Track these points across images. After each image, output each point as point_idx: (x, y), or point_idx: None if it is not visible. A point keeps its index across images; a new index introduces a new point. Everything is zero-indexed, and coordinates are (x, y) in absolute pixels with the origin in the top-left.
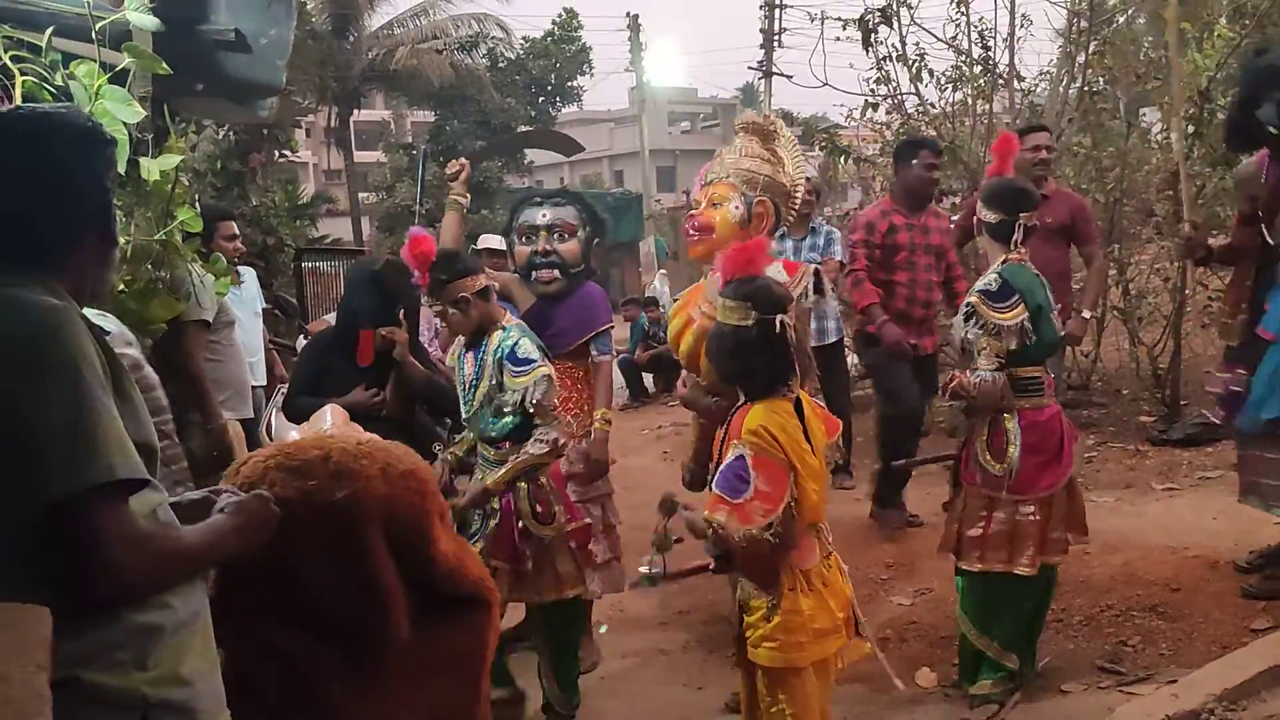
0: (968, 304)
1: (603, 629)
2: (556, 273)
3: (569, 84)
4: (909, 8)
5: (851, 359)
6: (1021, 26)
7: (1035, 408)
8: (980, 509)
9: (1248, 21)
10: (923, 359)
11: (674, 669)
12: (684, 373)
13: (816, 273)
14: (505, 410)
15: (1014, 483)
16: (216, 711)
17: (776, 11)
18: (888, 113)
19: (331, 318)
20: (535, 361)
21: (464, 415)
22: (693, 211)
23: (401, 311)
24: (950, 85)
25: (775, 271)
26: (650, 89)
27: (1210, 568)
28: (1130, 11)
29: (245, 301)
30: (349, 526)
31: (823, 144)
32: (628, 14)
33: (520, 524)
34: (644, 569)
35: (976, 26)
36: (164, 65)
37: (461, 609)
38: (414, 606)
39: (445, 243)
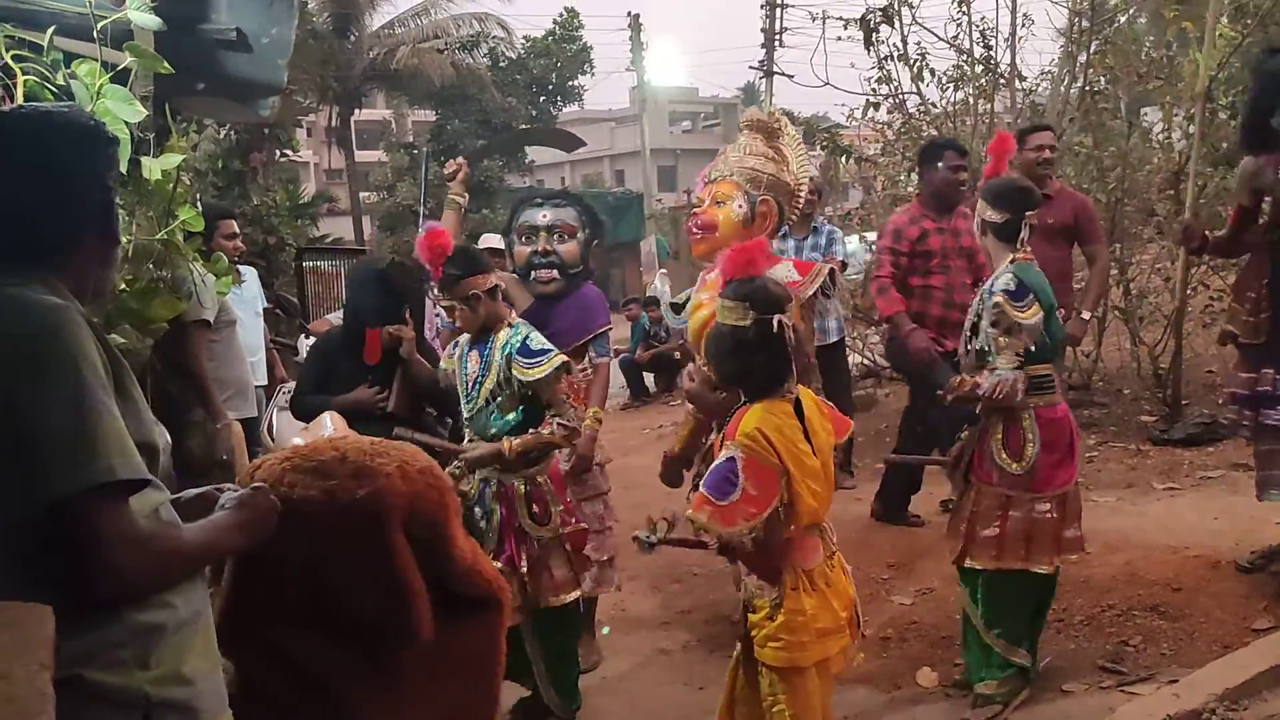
0: (994, 304)
1: (605, 630)
2: (556, 273)
3: (570, 83)
4: (910, 7)
5: (853, 359)
6: (1023, 26)
7: (1049, 405)
8: (995, 508)
9: (1249, 21)
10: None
11: (675, 669)
12: (689, 367)
13: (832, 271)
14: (509, 404)
15: (1032, 480)
16: (218, 710)
17: (777, 11)
18: (889, 112)
19: (334, 317)
20: (551, 351)
21: (465, 414)
22: (695, 209)
23: (407, 310)
24: (952, 85)
25: (785, 270)
26: (651, 88)
27: (1211, 567)
28: (1131, 11)
29: (246, 301)
30: (372, 524)
31: (824, 144)
32: (629, 13)
33: (516, 524)
34: (641, 534)
35: (978, 26)
36: (166, 64)
37: (475, 610)
38: (432, 607)
39: None
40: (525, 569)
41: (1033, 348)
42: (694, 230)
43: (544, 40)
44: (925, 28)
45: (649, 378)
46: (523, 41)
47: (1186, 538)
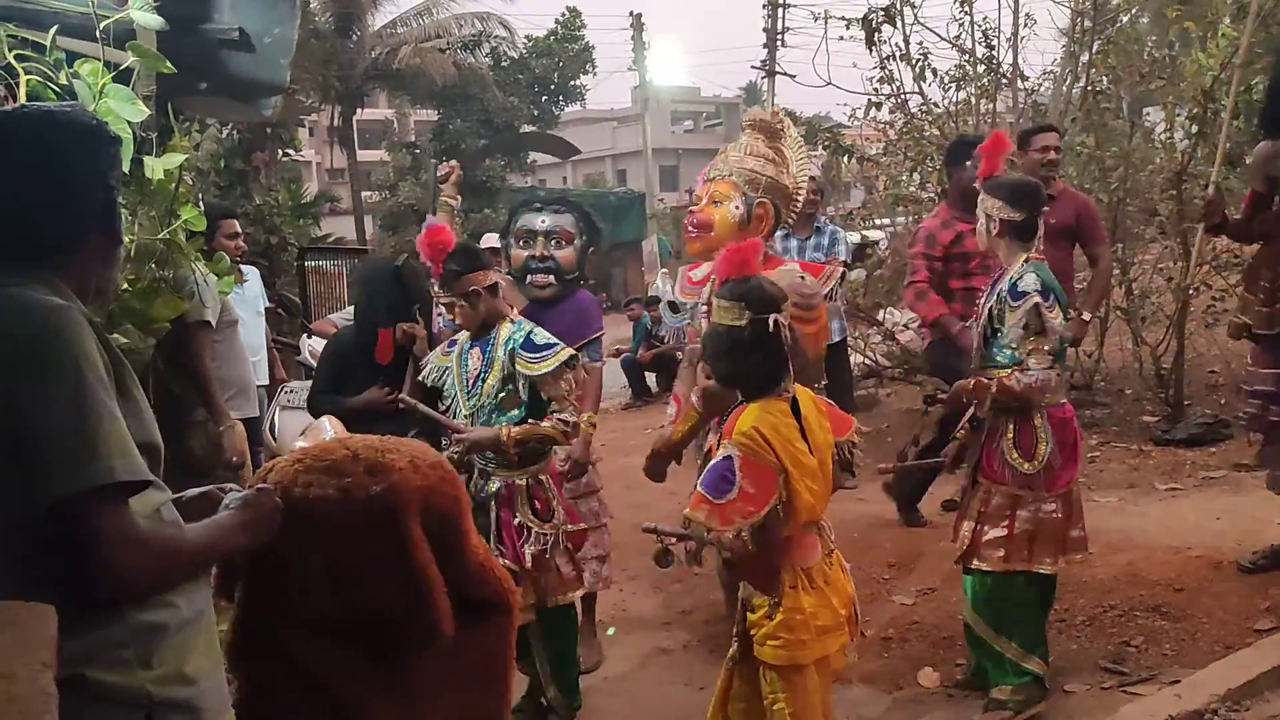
0: (1032, 306)
1: (611, 631)
2: (552, 278)
3: (572, 83)
4: (912, 7)
5: (855, 358)
6: (1025, 26)
7: (1057, 405)
8: (1004, 508)
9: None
10: None
11: (676, 669)
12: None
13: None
14: (511, 401)
15: (1044, 480)
16: (221, 710)
17: (779, 10)
18: (891, 112)
19: (336, 317)
20: (556, 346)
21: (465, 411)
22: (693, 208)
23: (418, 309)
24: (954, 84)
25: (791, 272)
26: (653, 88)
27: (1213, 568)
28: (1134, 11)
29: (248, 300)
30: (390, 519)
31: (826, 143)
32: (631, 13)
33: (518, 521)
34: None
35: (980, 25)
36: (168, 64)
37: (485, 613)
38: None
39: None
40: (531, 566)
41: (1066, 345)
42: (690, 229)
43: (546, 40)
44: (927, 27)
45: (651, 377)
46: (525, 41)
47: (1188, 538)
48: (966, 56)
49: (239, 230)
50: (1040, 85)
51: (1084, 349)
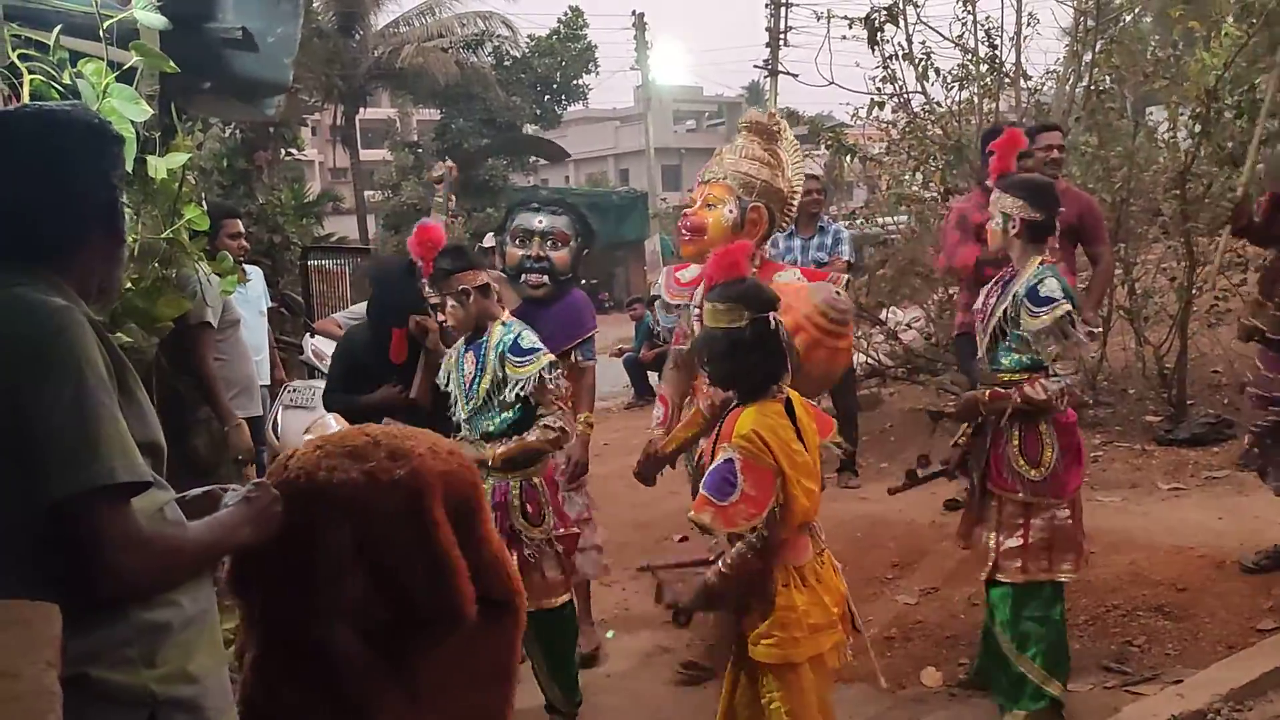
0: (1066, 313)
1: (610, 635)
2: (546, 278)
3: (574, 82)
4: (915, 6)
5: (858, 358)
6: (1028, 25)
7: (1058, 410)
8: (1016, 517)
9: (1255, 20)
10: None
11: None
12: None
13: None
14: (508, 402)
15: (1053, 486)
16: (224, 708)
17: (782, 10)
18: (894, 111)
19: (340, 316)
20: (539, 350)
21: (464, 414)
22: (687, 210)
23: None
24: (957, 84)
25: (793, 278)
26: (655, 87)
27: (1216, 568)
28: (1137, 10)
29: (250, 300)
30: (414, 502)
31: (829, 143)
32: (633, 12)
33: (509, 524)
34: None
35: (983, 25)
36: (171, 64)
37: (494, 613)
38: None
39: None
40: (519, 570)
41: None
42: (683, 232)
43: (548, 39)
44: (930, 27)
45: (653, 377)
46: (527, 40)
47: (1191, 538)
48: (969, 56)
49: (242, 230)
50: (1043, 84)
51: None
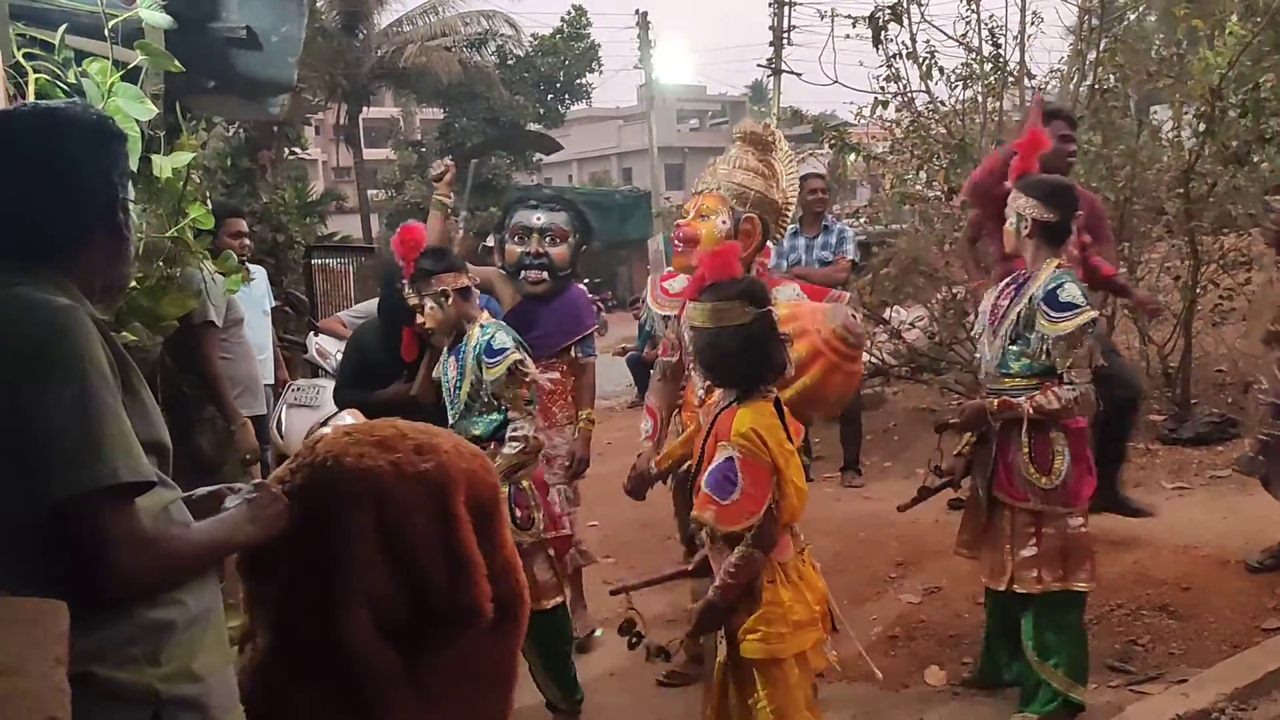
0: (1091, 320)
1: (598, 633)
2: (545, 275)
3: (577, 81)
4: (919, 5)
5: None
6: (1032, 24)
7: (1071, 416)
8: (1028, 527)
9: (1259, 19)
10: None
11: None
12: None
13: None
14: (488, 404)
15: (1064, 494)
16: (229, 707)
17: (786, 9)
18: (897, 110)
19: (344, 315)
20: (508, 349)
21: (450, 420)
22: (680, 221)
23: None
24: (960, 83)
25: (791, 293)
26: (659, 86)
27: (1221, 566)
28: (1141, 9)
29: (254, 300)
30: (439, 496)
31: (832, 142)
32: (636, 11)
33: None
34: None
35: (987, 24)
36: (176, 63)
37: (501, 618)
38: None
39: (430, 243)
40: None
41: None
42: (676, 243)
43: (552, 38)
44: (934, 26)
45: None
46: (530, 39)
47: (1195, 537)
48: (973, 54)
49: (244, 229)
50: (1047, 83)
51: None
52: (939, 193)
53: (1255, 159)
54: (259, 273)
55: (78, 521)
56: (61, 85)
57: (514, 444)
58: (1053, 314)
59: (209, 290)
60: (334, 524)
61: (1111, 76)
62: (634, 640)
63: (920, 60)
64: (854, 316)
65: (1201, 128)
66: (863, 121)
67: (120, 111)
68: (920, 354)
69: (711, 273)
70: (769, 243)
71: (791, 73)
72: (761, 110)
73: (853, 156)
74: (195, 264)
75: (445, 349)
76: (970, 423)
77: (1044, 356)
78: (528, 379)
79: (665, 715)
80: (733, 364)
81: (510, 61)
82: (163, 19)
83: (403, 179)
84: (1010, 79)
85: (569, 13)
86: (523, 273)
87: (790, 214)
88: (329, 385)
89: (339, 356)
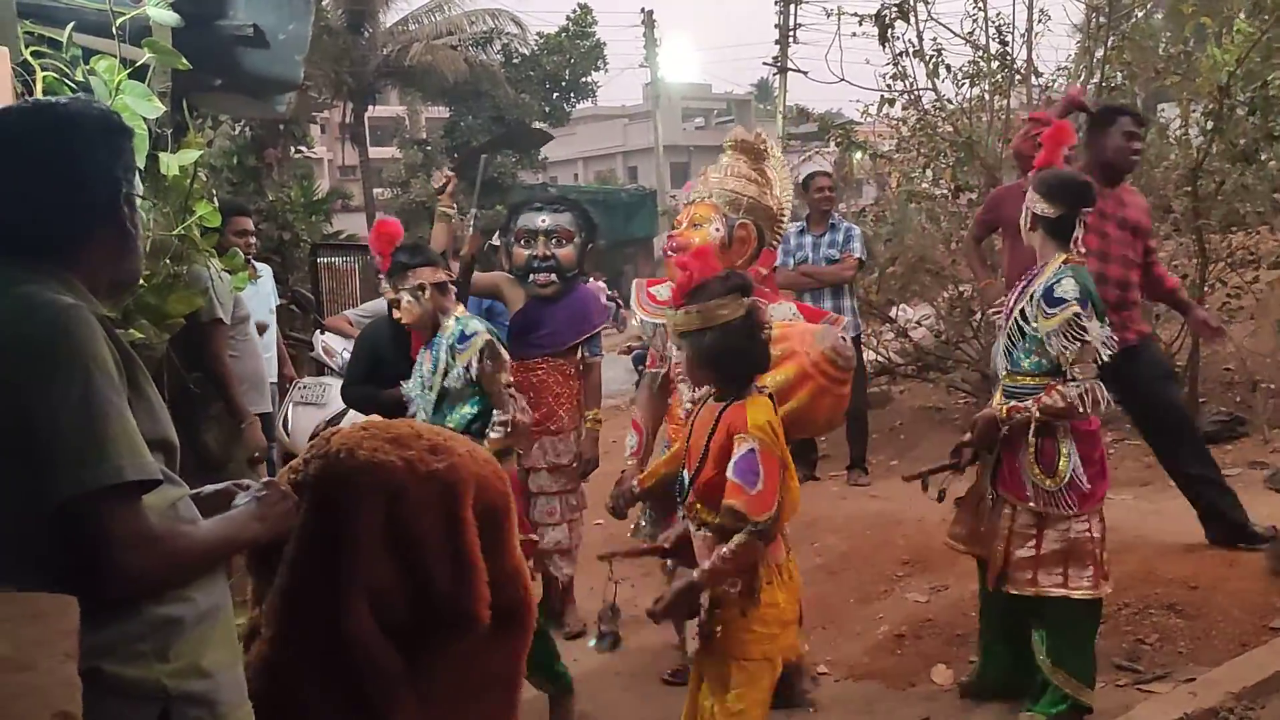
0: (1074, 315)
1: (591, 644)
2: (554, 276)
3: (583, 80)
4: (926, 3)
5: (868, 355)
6: (1039, 22)
7: (1083, 417)
8: (1029, 527)
9: (1267, 17)
10: (1122, 353)
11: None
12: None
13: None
14: (458, 391)
15: (1070, 497)
16: (238, 703)
17: (792, 7)
18: (904, 108)
19: (351, 313)
20: (478, 333)
21: (423, 415)
22: (672, 231)
23: None
24: (967, 81)
25: (787, 311)
26: (664, 85)
27: (1228, 565)
28: (1149, 6)
29: (261, 297)
30: (448, 496)
31: (838, 140)
32: (642, 10)
33: None
34: (592, 643)
35: (994, 21)
36: (184, 61)
37: (507, 624)
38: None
39: None
40: None
41: (1104, 358)
42: (669, 253)
43: (557, 37)
44: (941, 23)
45: None
46: (536, 38)
47: (1202, 535)
48: (980, 52)
49: (250, 227)
50: (1055, 81)
51: None
52: (945, 191)
53: (1263, 157)
54: (265, 270)
55: (83, 520)
56: (69, 83)
57: (500, 428)
58: (1048, 310)
59: (215, 288)
60: (343, 516)
61: (1119, 74)
62: (607, 619)
63: (927, 58)
64: (842, 338)
65: (1209, 125)
66: (869, 120)
67: (128, 109)
68: (927, 352)
69: (700, 273)
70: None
71: (798, 71)
72: (768, 109)
73: (859, 155)
74: (202, 261)
75: (423, 345)
76: (983, 437)
77: (1047, 354)
78: (501, 361)
79: (669, 713)
80: (737, 359)
81: (516, 60)
82: (170, 17)
83: (408, 177)
84: (1017, 77)
85: (574, 11)
86: (531, 276)
87: (785, 221)
88: (335, 383)
89: (345, 355)
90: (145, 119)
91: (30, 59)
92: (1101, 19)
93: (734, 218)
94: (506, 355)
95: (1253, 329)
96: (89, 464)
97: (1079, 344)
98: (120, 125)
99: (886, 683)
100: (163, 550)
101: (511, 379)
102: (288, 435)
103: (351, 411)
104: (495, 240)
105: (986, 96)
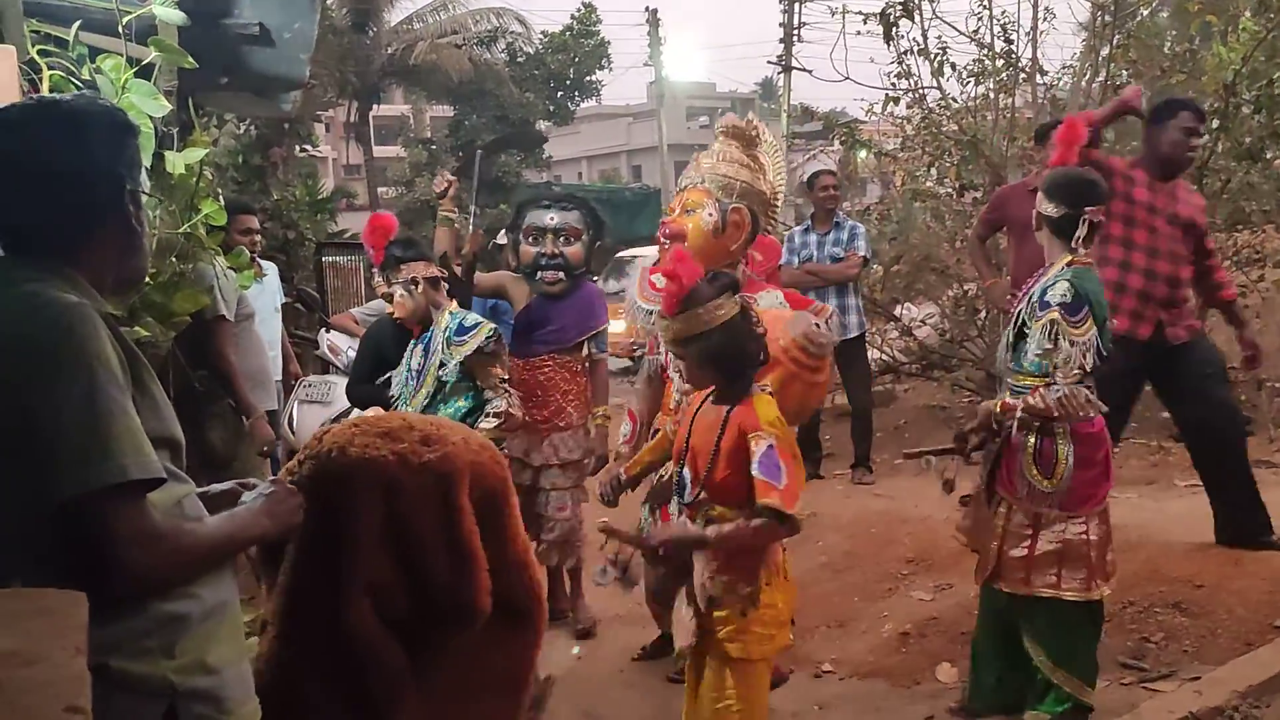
0: (1050, 320)
1: (575, 651)
2: (562, 274)
3: (587, 79)
4: (931, 1)
5: (873, 354)
6: (1044, 20)
7: (1086, 418)
8: (1024, 526)
9: (1272, 15)
10: (1172, 350)
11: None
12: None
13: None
14: (454, 384)
15: (1066, 499)
16: (244, 699)
17: (796, 5)
18: (909, 107)
19: (357, 312)
20: (480, 323)
21: (417, 407)
22: (665, 219)
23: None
24: (972, 79)
25: (773, 300)
26: (669, 84)
27: (1234, 564)
28: (1154, 5)
29: (266, 295)
30: (442, 487)
31: (843, 138)
32: (646, 8)
33: None
34: (598, 577)
35: (999, 20)
36: (189, 59)
37: (515, 623)
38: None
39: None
40: None
41: (1089, 365)
42: (662, 240)
43: (562, 35)
44: (946, 22)
45: None
46: (540, 37)
47: (1208, 534)
48: (985, 51)
49: (256, 226)
50: (1059, 79)
51: None
52: (950, 189)
53: (1269, 155)
54: (271, 269)
55: (88, 519)
56: (75, 81)
57: (493, 419)
58: (1038, 311)
59: (220, 285)
60: (339, 514)
61: (1124, 72)
62: (612, 562)
63: (932, 56)
64: (817, 325)
65: (1215, 124)
66: (874, 118)
67: (134, 108)
68: (931, 351)
69: (689, 279)
70: (765, 232)
71: (802, 69)
72: (772, 107)
73: (864, 153)
74: (207, 260)
75: (414, 340)
76: (981, 426)
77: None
78: (499, 353)
79: (674, 711)
80: (739, 357)
81: (520, 59)
82: (176, 15)
83: (412, 176)
84: (1022, 75)
85: (579, 10)
86: (539, 273)
87: (780, 206)
88: (340, 381)
89: (350, 353)
90: (151, 117)
91: (37, 57)
92: (1107, 17)
93: (727, 202)
94: (503, 347)
95: (1258, 328)
96: (93, 462)
97: (1054, 348)
98: (126, 123)
99: (891, 681)
100: (167, 548)
101: (506, 374)
102: (293, 433)
103: (356, 410)
104: (500, 239)
105: (991, 95)
